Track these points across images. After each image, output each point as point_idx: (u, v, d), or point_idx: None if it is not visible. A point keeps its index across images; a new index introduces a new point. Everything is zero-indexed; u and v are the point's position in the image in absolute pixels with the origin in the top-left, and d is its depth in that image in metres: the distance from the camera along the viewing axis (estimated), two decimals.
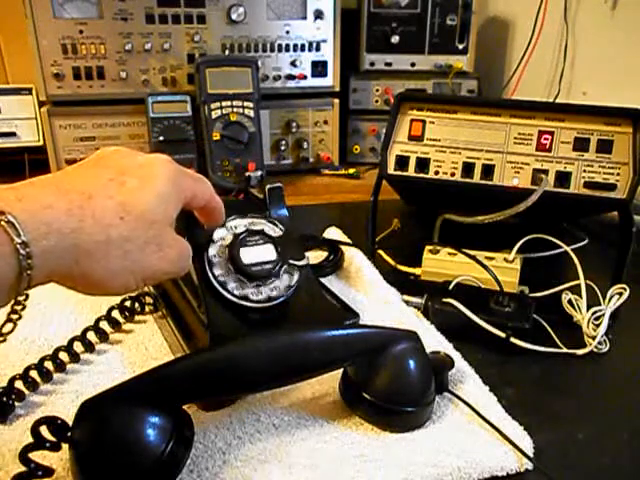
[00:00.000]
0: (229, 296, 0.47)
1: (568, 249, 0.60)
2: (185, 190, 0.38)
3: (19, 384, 0.45)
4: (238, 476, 0.37)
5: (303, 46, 1.05)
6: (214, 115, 0.95)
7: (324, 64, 1.07)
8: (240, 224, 0.50)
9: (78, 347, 0.50)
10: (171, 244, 0.37)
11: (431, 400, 0.42)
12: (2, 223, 0.28)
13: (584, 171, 0.60)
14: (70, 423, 0.35)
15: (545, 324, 0.55)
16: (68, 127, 0.97)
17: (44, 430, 0.34)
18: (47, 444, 0.34)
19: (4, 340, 0.45)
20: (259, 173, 0.96)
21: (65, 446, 0.35)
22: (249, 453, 0.39)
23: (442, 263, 0.63)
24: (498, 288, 0.58)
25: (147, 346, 0.52)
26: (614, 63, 0.99)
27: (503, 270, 0.60)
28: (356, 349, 0.42)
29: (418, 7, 1.10)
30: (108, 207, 0.33)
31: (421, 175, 0.65)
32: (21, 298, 0.31)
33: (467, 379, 0.47)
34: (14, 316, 0.38)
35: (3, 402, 0.43)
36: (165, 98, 0.97)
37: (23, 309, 0.31)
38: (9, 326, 0.42)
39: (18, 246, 0.28)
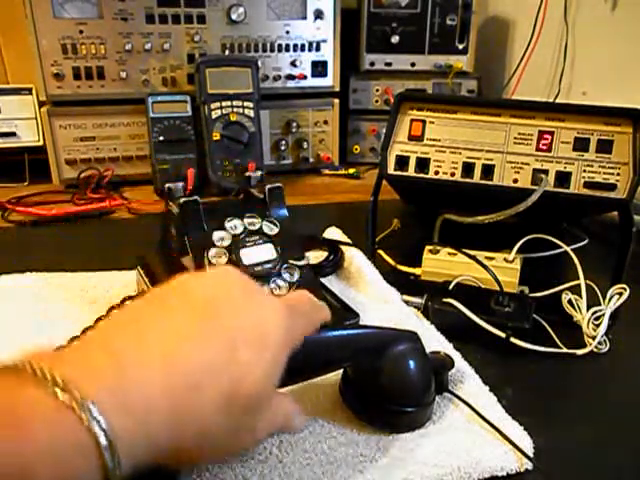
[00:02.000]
0: None
1: (568, 249, 0.60)
2: (295, 340, 0.35)
3: None
4: (238, 476, 0.37)
5: (303, 46, 1.05)
6: (214, 115, 0.95)
7: (324, 64, 1.07)
8: (239, 224, 0.50)
9: None
10: (267, 418, 0.34)
11: (431, 400, 0.42)
12: (100, 441, 0.23)
13: (584, 171, 0.60)
14: None
15: (545, 324, 0.55)
16: (68, 127, 0.97)
17: None
18: None
19: None
20: (259, 173, 0.96)
21: None
22: (249, 453, 0.39)
23: (442, 263, 0.63)
24: (498, 288, 0.58)
25: None
26: (614, 63, 0.99)
27: (503, 270, 0.60)
28: (356, 349, 0.42)
29: (418, 7, 1.10)
30: (212, 401, 0.28)
31: (421, 175, 0.65)
32: None
33: (467, 379, 0.47)
34: None
35: None
36: (165, 98, 0.97)
37: None
38: None
39: (113, 471, 0.24)
